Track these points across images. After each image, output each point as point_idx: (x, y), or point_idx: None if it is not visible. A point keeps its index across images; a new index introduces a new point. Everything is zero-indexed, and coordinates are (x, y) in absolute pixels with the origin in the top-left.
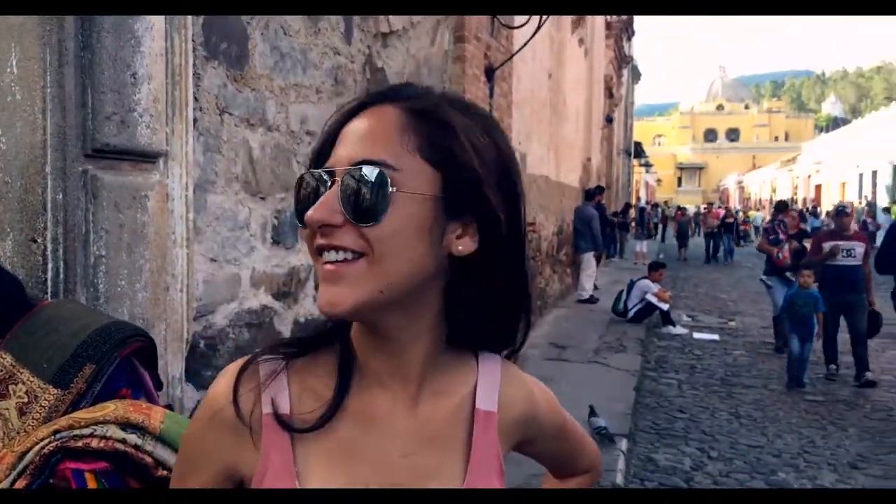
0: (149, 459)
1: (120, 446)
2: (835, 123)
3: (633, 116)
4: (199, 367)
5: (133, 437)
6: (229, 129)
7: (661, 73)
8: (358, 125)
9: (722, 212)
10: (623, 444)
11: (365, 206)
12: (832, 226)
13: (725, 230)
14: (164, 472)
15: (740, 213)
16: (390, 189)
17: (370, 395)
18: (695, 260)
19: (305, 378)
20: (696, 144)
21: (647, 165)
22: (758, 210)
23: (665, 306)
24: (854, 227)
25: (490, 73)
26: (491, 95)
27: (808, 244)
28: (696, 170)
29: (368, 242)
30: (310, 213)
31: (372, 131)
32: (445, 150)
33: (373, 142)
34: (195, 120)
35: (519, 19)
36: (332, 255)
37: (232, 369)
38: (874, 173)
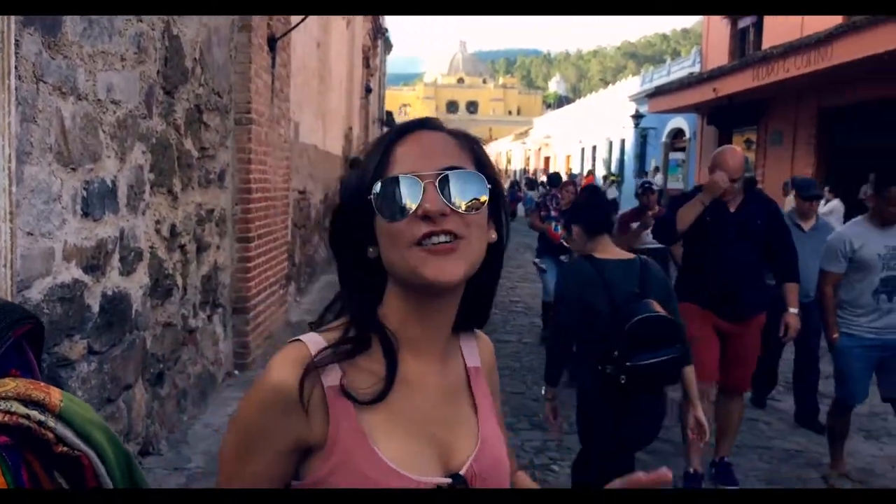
0: (50, 435)
1: (24, 422)
2: (560, 101)
3: (385, 86)
4: None
5: (36, 414)
6: (44, 97)
7: (407, 42)
8: (419, 145)
9: None
10: None
11: (471, 199)
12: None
13: None
14: (65, 448)
15: None
16: (486, 185)
17: (405, 364)
18: None
19: (352, 358)
20: (440, 115)
21: None
22: None
23: None
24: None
25: (272, 42)
26: (273, 65)
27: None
28: None
29: (468, 228)
30: (427, 205)
31: (438, 148)
32: (485, 167)
33: (445, 154)
34: (16, 89)
35: None
36: (440, 238)
37: (290, 358)
38: (594, 147)
